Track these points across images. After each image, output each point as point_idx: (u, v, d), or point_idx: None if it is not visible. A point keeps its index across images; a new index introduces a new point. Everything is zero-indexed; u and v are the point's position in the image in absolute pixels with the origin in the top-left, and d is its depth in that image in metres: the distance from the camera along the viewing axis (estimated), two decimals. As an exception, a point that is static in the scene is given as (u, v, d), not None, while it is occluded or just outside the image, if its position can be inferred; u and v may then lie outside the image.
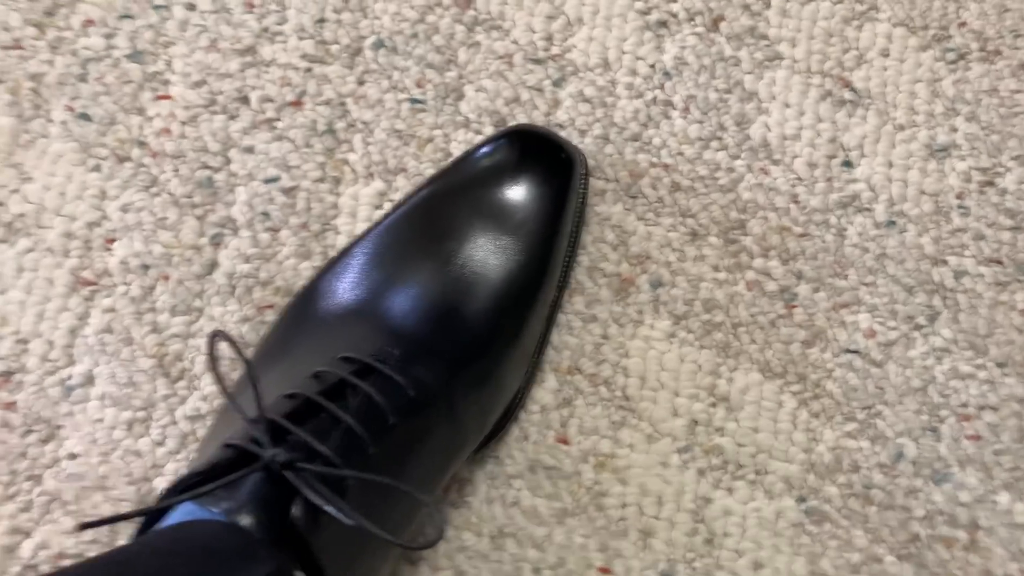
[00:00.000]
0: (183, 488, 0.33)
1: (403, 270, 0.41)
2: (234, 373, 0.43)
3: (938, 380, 0.46)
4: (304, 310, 0.42)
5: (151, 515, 0.33)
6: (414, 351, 0.38)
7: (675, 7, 0.49)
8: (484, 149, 0.44)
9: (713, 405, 0.45)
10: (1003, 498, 0.44)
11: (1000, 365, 0.46)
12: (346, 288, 0.41)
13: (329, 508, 0.31)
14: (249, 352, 0.43)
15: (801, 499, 0.44)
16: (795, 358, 0.46)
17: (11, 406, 0.44)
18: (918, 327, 0.46)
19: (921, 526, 0.44)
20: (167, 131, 0.47)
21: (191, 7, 0.49)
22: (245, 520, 0.31)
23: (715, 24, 0.49)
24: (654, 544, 0.43)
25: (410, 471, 0.36)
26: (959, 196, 0.48)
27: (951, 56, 0.49)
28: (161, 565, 0.29)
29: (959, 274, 0.47)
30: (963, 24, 0.50)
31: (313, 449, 0.33)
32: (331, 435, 0.34)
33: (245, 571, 0.30)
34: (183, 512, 0.33)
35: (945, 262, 0.47)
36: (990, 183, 0.48)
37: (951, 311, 0.46)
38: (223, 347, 0.43)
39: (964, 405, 0.45)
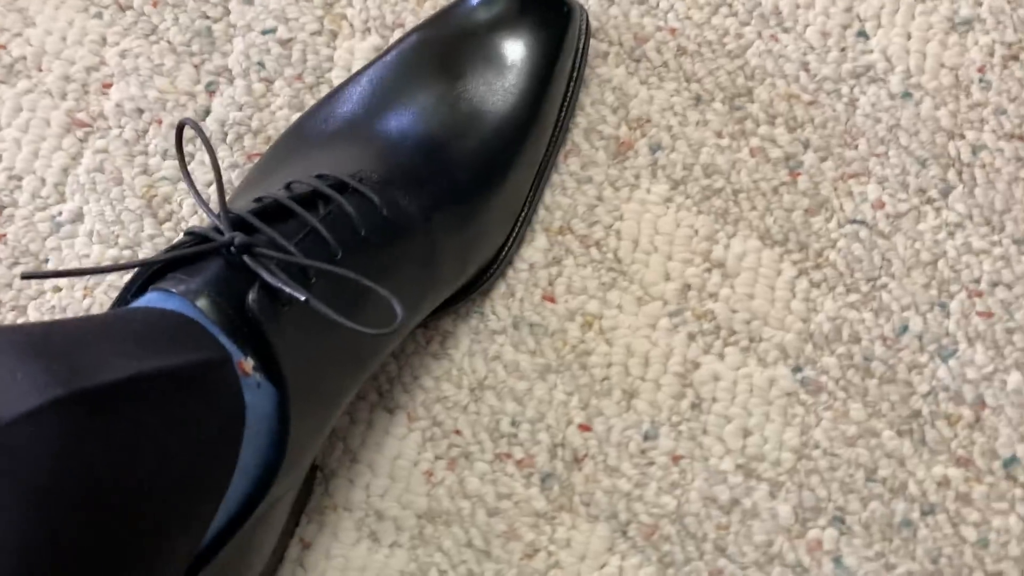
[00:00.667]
0: (143, 277, 0.32)
1: (393, 100, 0.40)
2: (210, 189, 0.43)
3: (949, 255, 0.43)
4: (288, 140, 0.41)
5: (117, 303, 0.33)
6: (395, 178, 0.38)
7: None
8: (484, -7, 0.43)
9: (708, 271, 0.43)
10: (1013, 377, 0.42)
11: (1017, 242, 0.43)
12: (332, 117, 0.41)
13: (285, 288, 0.30)
14: (233, 191, 0.43)
15: (796, 368, 0.42)
16: (797, 226, 0.44)
17: (1, 238, 0.44)
18: (930, 200, 0.44)
19: (924, 402, 0.41)
20: (169, -20, 0.47)
21: None
22: (201, 301, 0.31)
23: None
24: (638, 405, 0.42)
25: (377, 297, 0.35)
26: (980, 70, 0.45)
27: (979, -71, 0.47)
28: (101, 333, 0.28)
29: (977, 148, 0.44)
30: None
31: (277, 244, 0.32)
32: (297, 236, 0.33)
33: (184, 352, 0.29)
34: (144, 299, 0.32)
35: (962, 136, 0.45)
36: (1014, 58, 0.45)
37: (967, 186, 0.44)
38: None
39: (976, 281, 0.43)
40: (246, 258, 0.31)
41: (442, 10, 0.43)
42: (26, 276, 0.30)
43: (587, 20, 0.44)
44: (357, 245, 0.35)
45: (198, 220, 0.44)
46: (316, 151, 0.40)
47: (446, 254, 0.39)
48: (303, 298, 0.30)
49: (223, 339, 0.31)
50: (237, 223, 0.33)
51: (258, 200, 0.34)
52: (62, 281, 0.43)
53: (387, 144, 0.39)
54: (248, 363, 0.31)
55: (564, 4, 0.43)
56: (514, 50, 0.42)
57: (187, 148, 0.45)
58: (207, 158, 0.44)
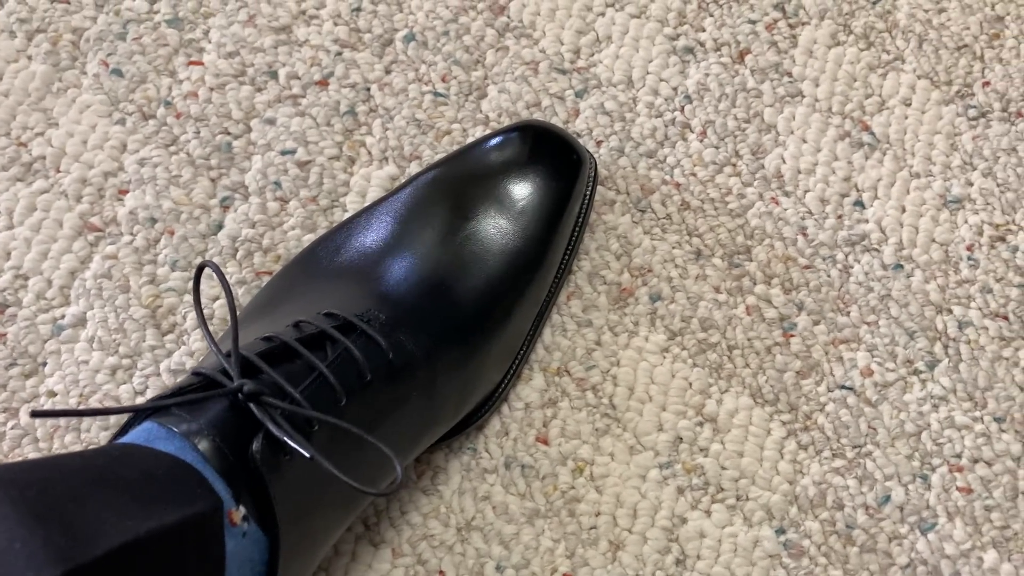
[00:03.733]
0: (147, 411, 0.32)
1: (402, 239, 0.41)
2: (218, 325, 0.43)
3: (933, 427, 0.44)
4: (297, 270, 0.42)
5: (116, 435, 0.33)
6: (401, 317, 0.38)
7: (703, 36, 0.50)
8: (497, 138, 0.44)
9: (700, 424, 0.44)
10: (990, 556, 0.42)
11: (998, 420, 0.45)
12: (342, 251, 0.41)
13: (290, 442, 0.31)
14: (241, 312, 0.43)
15: (780, 530, 0.43)
16: (788, 387, 0.45)
17: (1, 337, 0.44)
18: (917, 372, 0.45)
19: (902, 574, 0.42)
20: (194, 95, 0.48)
21: (236, -17, 0.50)
22: (203, 444, 0.31)
23: (741, 56, 0.50)
24: (623, 557, 0.42)
25: (380, 434, 0.36)
26: (969, 248, 0.47)
27: (972, 113, 0.50)
28: (92, 480, 0.28)
29: (963, 324, 0.46)
30: (987, 83, 0.50)
31: (283, 390, 0.33)
32: (304, 381, 0.34)
33: (173, 506, 0.29)
34: (143, 431, 0.32)
35: (950, 311, 0.46)
36: (1002, 239, 0.48)
37: (952, 360, 0.46)
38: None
39: (957, 456, 0.44)
40: (253, 406, 0.31)
41: (457, 151, 0.45)
42: (35, 414, 0.30)
43: (596, 168, 0.46)
44: (362, 389, 0.35)
45: (199, 337, 0.44)
46: (325, 284, 0.40)
47: (446, 392, 0.39)
48: (308, 455, 0.30)
49: (219, 485, 0.31)
50: (245, 365, 0.33)
51: (267, 339, 0.35)
52: (57, 386, 0.43)
53: (394, 283, 0.40)
54: (239, 512, 0.31)
55: (574, 152, 0.45)
56: (524, 195, 0.43)
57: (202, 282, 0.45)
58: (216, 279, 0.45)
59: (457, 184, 0.43)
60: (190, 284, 0.45)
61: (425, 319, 0.39)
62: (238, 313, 0.43)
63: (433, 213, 0.42)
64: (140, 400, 0.43)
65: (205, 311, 0.44)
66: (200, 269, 0.34)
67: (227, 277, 0.40)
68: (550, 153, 0.44)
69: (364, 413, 0.35)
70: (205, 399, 0.32)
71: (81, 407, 0.43)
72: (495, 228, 0.42)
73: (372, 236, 0.42)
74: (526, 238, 0.42)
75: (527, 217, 0.43)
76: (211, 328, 0.43)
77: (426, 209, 0.42)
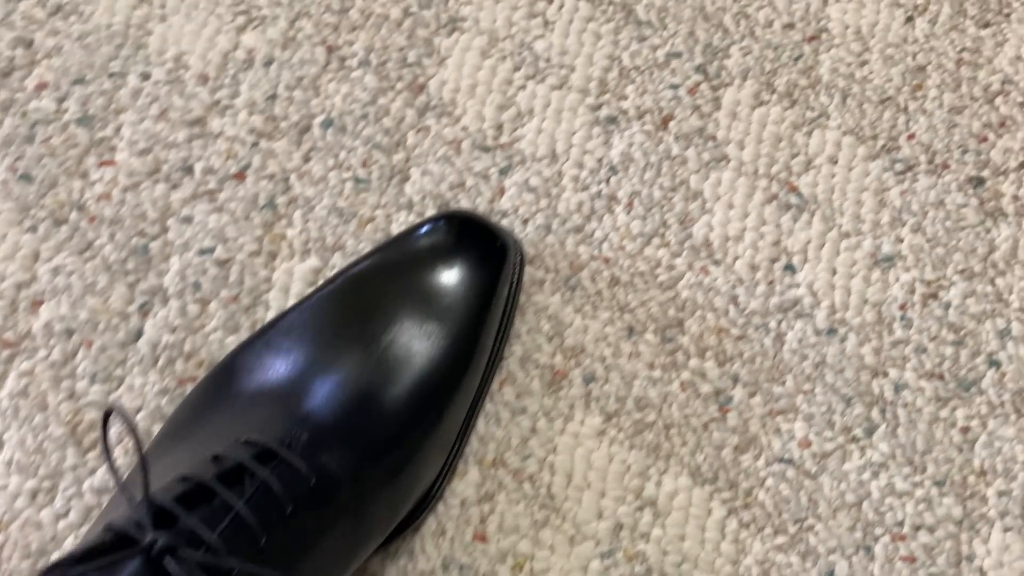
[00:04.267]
0: (56, 572, 0.31)
1: (322, 351, 0.40)
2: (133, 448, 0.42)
3: (873, 496, 0.44)
4: (217, 387, 0.41)
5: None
6: (323, 436, 0.37)
7: (625, 104, 0.50)
8: (418, 231, 0.43)
9: (640, 509, 0.43)
10: (937, 626, 0.42)
11: (938, 484, 0.44)
12: (261, 366, 0.40)
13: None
14: (158, 427, 0.42)
15: (725, 614, 0.42)
16: (727, 464, 0.44)
17: (-87, 467, 0.42)
18: (855, 439, 0.45)
19: (850, 651, 0.42)
20: (108, 196, 0.47)
21: (145, 76, 0.49)
22: (117, 609, 0.30)
23: (664, 123, 0.50)
24: (567, 654, 0.41)
25: (306, 564, 0.35)
26: (902, 307, 0.47)
27: (899, 167, 0.49)
28: None
29: (899, 387, 0.46)
30: (912, 136, 0.50)
31: (199, 537, 0.32)
32: (221, 523, 0.33)
33: None
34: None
35: (885, 374, 0.46)
36: (934, 296, 0.47)
37: (889, 425, 0.45)
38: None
39: (899, 524, 0.44)
40: (167, 561, 0.30)
41: (376, 248, 0.44)
42: None
43: (521, 253, 0.45)
44: (283, 522, 0.34)
45: (123, 452, 0.43)
46: (244, 405, 0.39)
47: (377, 508, 0.39)
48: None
49: None
50: (160, 511, 0.32)
51: (184, 479, 0.34)
52: (-24, 514, 0.42)
53: (316, 400, 0.39)
54: None
55: (498, 239, 0.44)
56: (448, 290, 0.42)
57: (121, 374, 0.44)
58: (136, 381, 0.44)
59: (378, 284, 0.42)
60: (111, 398, 0.44)
61: (350, 435, 0.38)
62: (159, 429, 0.42)
63: (353, 319, 0.41)
64: (63, 524, 0.42)
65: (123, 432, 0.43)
66: (107, 414, 0.33)
67: (130, 417, 0.38)
68: (473, 243, 0.43)
69: (287, 546, 0.34)
70: (116, 561, 0.31)
71: (0, 538, 0.41)
72: (420, 329, 0.41)
73: (291, 349, 0.41)
74: (454, 335, 0.41)
75: (454, 313, 0.42)
76: (124, 481, 0.42)
77: (346, 315, 0.41)
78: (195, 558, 0.31)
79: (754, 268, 0.48)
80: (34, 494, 0.42)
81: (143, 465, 0.32)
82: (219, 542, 0.32)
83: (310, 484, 0.35)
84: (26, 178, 0.47)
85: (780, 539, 0.43)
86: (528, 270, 0.47)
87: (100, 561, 0.31)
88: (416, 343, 0.41)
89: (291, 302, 0.46)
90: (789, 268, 0.48)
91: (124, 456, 0.43)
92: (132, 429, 0.32)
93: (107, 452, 0.33)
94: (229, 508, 0.33)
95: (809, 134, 0.50)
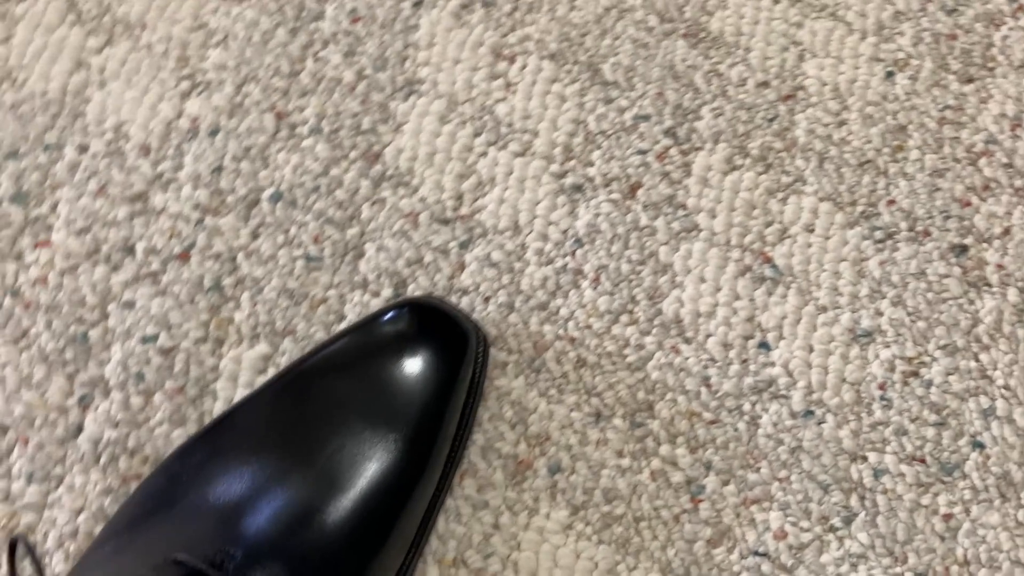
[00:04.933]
0: None
1: (263, 461, 0.38)
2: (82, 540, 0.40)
3: (852, 590, 0.42)
4: (156, 491, 0.39)
5: None
6: (258, 554, 0.35)
7: (592, 171, 0.47)
8: (373, 323, 0.41)
9: (608, 608, 0.42)
10: None
11: (919, 575, 0.43)
12: (200, 474, 0.38)
13: None
14: (100, 528, 0.40)
15: None
16: (699, 559, 0.42)
17: None
18: (833, 529, 0.43)
19: None
20: (44, 280, 0.44)
21: (83, 148, 0.46)
22: None
23: (632, 191, 0.47)
24: None
25: None
26: (882, 386, 0.45)
27: (879, 235, 0.47)
28: None
29: (879, 472, 0.44)
30: (892, 202, 0.48)
31: None
32: None
33: None
34: None
35: (865, 458, 0.44)
36: (915, 373, 0.45)
37: (869, 513, 0.43)
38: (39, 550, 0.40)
39: (879, 620, 0.42)
40: None
41: (333, 336, 0.41)
42: None
43: (485, 340, 0.43)
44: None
45: (61, 552, 0.41)
46: (179, 518, 0.37)
47: (323, 627, 0.36)
48: None
49: None
50: None
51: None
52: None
53: (253, 517, 0.36)
54: None
55: (458, 324, 0.41)
56: (403, 386, 0.40)
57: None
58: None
59: (329, 383, 0.40)
60: (50, 499, 0.42)
61: (289, 553, 0.36)
62: (98, 532, 0.40)
63: (300, 423, 0.39)
64: (-2, 638, 0.40)
65: (67, 527, 0.41)
66: (13, 544, 0.30)
67: (35, 550, 0.36)
68: (431, 334, 0.41)
69: None
70: None
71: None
72: (373, 432, 0.39)
73: (233, 456, 0.38)
74: (410, 439, 0.39)
75: (409, 411, 0.39)
76: (72, 548, 0.40)
77: (293, 420, 0.39)
78: None
79: (727, 346, 0.45)
80: (-33, 607, 0.40)
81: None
82: None
83: None
84: (-43, 262, 0.44)
85: (754, 639, 0.41)
86: (491, 352, 0.44)
87: None
88: (367, 450, 0.39)
89: (239, 391, 0.43)
90: (764, 346, 0.45)
91: (54, 565, 0.40)
92: (38, 565, 0.30)
93: None
94: None
95: (784, 200, 0.48)
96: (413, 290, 0.45)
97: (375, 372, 0.40)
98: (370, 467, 0.38)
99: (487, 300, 0.45)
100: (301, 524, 0.37)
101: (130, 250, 0.45)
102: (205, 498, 0.37)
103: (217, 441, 0.39)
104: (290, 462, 0.38)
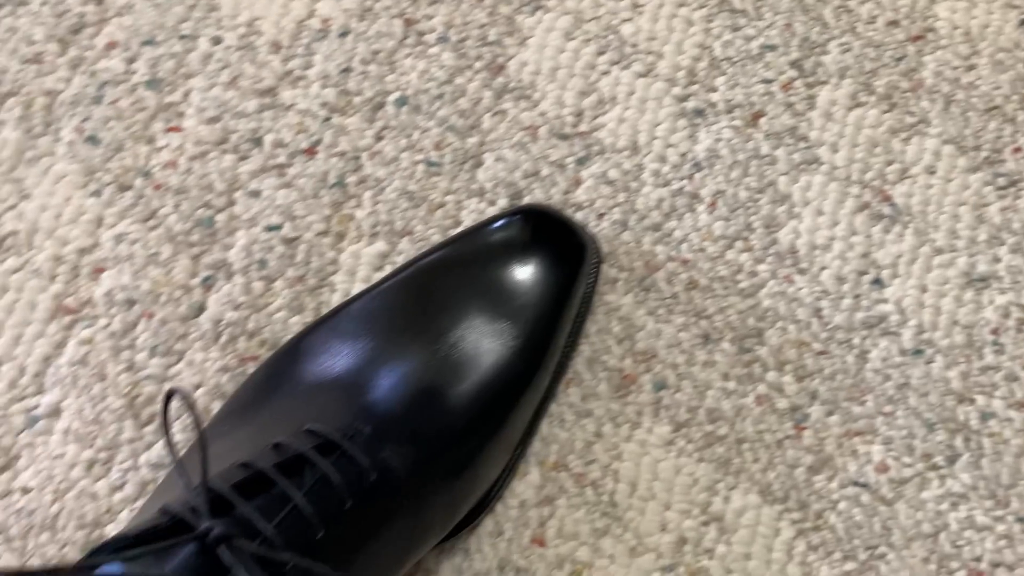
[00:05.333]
0: (111, 550, 0.30)
1: (389, 343, 0.39)
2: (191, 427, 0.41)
3: (952, 528, 0.42)
4: (281, 369, 0.40)
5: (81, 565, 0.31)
6: (386, 430, 0.36)
7: (714, 97, 0.47)
8: (493, 225, 0.41)
9: (705, 524, 0.42)
10: (1010, 669, 0.40)
11: (1021, 520, 0.42)
12: (326, 353, 0.39)
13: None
14: (218, 405, 0.41)
15: (788, 640, 0.41)
16: (799, 484, 0.42)
17: (-29, 430, 0.42)
18: (935, 467, 0.43)
19: None
20: (174, 164, 0.46)
21: (217, 41, 0.47)
22: (166, 596, 0.29)
23: (754, 119, 0.47)
24: (622, 669, 0.40)
25: (362, 560, 0.34)
26: (994, 332, 0.45)
27: (1001, 181, 0.47)
28: None
29: (986, 415, 0.43)
30: (1018, 150, 0.47)
31: (255, 527, 0.31)
32: (278, 513, 0.32)
33: None
34: (111, 573, 0.30)
35: (972, 400, 0.44)
36: (1030, 321, 0.45)
37: (973, 455, 0.43)
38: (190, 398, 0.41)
39: (977, 559, 0.42)
40: (222, 550, 0.30)
41: (449, 239, 0.42)
42: None
43: (599, 253, 0.43)
44: (341, 516, 0.33)
45: (181, 428, 0.42)
46: (308, 393, 0.38)
47: (435, 506, 0.37)
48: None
49: None
50: (217, 498, 0.31)
51: (244, 466, 0.33)
52: (32, 482, 0.41)
53: (380, 393, 0.37)
54: None
55: (576, 237, 0.42)
56: (522, 287, 0.40)
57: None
58: (197, 356, 0.43)
59: (449, 277, 0.40)
60: (171, 371, 0.43)
61: (413, 431, 0.37)
62: (219, 408, 0.41)
63: (423, 311, 0.39)
64: (118, 497, 0.41)
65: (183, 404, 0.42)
66: (169, 396, 0.32)
67: (193, 401, 0.37)
68: (550, 240, 0.41)
69: (344, 540, 0.33)
70: (170, 546, 0.30)
71: (56, 507, 0.41)
72: (491, 327, 0.39)
73: (357, 337, 0.39)
74: (524, 336, 0.40)
75: (527, 313, 0.40)
76: (183, 463, 0.41)
77: (415, 307, 0.40)
78: (250, 549, 0.30)
79: (841, 280, 0.45)
80: (90, 465, 0.42)
81: (202, 451, 0.31)
82: (275, 533, 0.31)
83: (371, 479, 0.34)
84: (92, 140, 0.46)
85: (849, 565, 0.42)
86: (602, 268, 0.45)
87: (154, 545, 0.30)
88: (486, 341, 0.39)
89: (357, 286, 0.44)
90: (877, 282, 0.45)
91: (182, 433, 0.42)
92: (195, 416, 0.31)
93: (167, 433, 0.32)
94: (287, 499, 0.32)
95: (907, 141, 0.47)
96: (528, 202, 0.45)
97: (494, 272, 0.41)
98: (488, 360, 0.39)
99: (601, 217, 0.46)
100: (424, 406, 0.37)
101: (258, 142, 0.46)
102: (332, 376, 0.39)
103: (340, 326, 0.40)
104: (414, 346, 0.39)
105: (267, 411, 0.38)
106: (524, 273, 0.41)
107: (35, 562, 0.41)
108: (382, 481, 0.35)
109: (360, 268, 0.45)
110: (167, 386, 0.43)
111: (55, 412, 0.42)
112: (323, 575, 0.31)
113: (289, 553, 0.31)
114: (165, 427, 0.32)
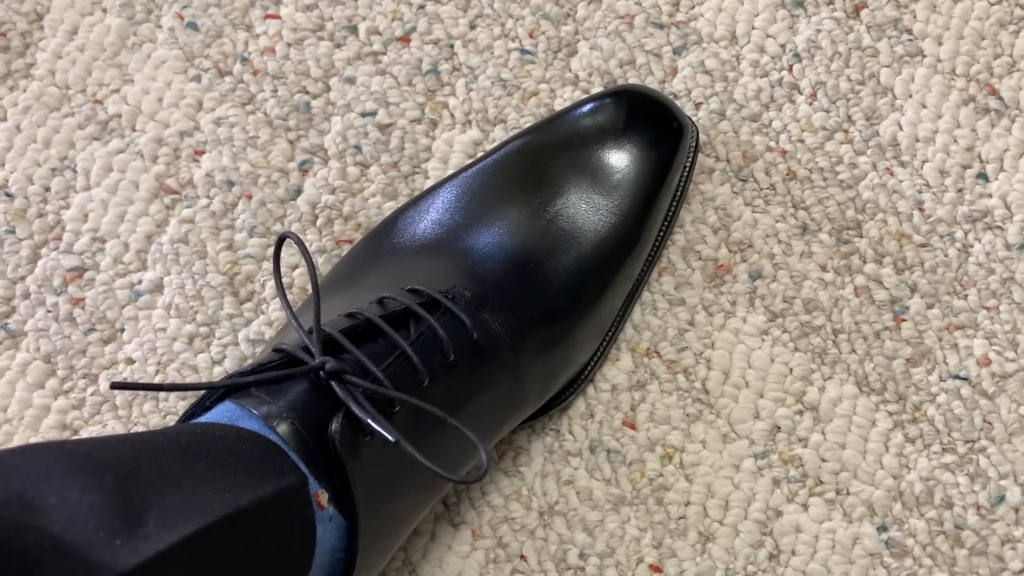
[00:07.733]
0: (226, 386, 0.31)
1: (489, 213, 0.39)
2: (298, 295, 0.42)
3: (1055, 424, 0.41)
4: (379, 241, 0.40)
5: (193, 409, 0.32)
6: (487, 296, 0.36)
7: (815, -13, 0.46)
8: (591, 104, 0.41)
9: (800, 413, 0.42)
10: (1114, 565, 0.39)
11: None
12: (426, 223, 0.39)
13: (373, 424, 0.29)
14: (321, 282, 0.42)
15: (883, 527, 0.40)
16: (897, 376, 0.42)
17: (79, 302, 0.43)
18: (1040, 363, 0.42)
19: (1015, 580, 0.39)
20: (271, 50, 0.46)
21: (314, -70, 0.47)
22: (282, 427, 0.30)
23: (856, 11, 0.46)
24: (713, 550, 0.40)
25: (463, 416, 0.34)
26: (1106, 227, 0.43)
27: (1117, 75, 0.45)
28: (180, 455, 0.27)
29: (1095, 312, 0.42)
30: None
31: (365, 368, 0.31)
32: (386, 360, 0.32)
33: (264, 480, 0.28)
34: (222, 411, 0.31)
35: (1080, 297, 0.42)
36: None
37: (1080, 351, 0.42)
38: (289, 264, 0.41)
39: (1082, 456, 0.41)
40: (334, 385, 0.30)
41: (546, 118, 0.42)
42: (115, 386, 0.29)
43: (697, 137, 0.42)
44: (445, 370, 0.34)
45: (278, 307, 0.43)
46: (409, 258, 0.38)
47: (532, 375, 0.38)
48: (393, 439, 0.29)
49: (301, 466, 0.30)
50: (327, 342, 0.32)
51: (350, 315, 0.33)
52: (136, 354, 0.43)
53: (481, 259, 0.37)
54: (324, 495, 0.30)
55: (675, 119, 0.41)
56: (619, 167, 0.40)
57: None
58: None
59: (547, 154, 0.40)
60: (269, 251, 0.44)
61: (512, 298, 0.37)
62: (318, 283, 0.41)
63: (522, 185, 0.39)
64: (218, 371, 0.43)
65: (284, 279, 0.43)
66: (281, 240, 0.32)
67: (308, 246, 0.38)
68: (648, 121, 0.41)
69: (447, 395, 0.34)
70: (285, 378, 0.31)
71: (159, 379, 0.42)
72: (588, 203, 0.39)
73: (457, 208, 0.39)
74: (621, 214, 0.40)
75: (622, 191, 0.40)
76: (291, 300, 0.42)
77: (514, 181, 0.40)
78: (362, 385, 0.30)
79: (944, 173, 0.44)
80: (191, 339, 0.43)
81: (315, 291, 0.32)
82: (384, 376, 0.31)
83: (472, 338, 0.35)
84: (192, 26, 0.46)
85: (948, 458, 0.41)
86: (698, 157, 0.44)
87: (269, 375, 0.31)
88: (583, 219, 0.39)
89: (450, 173, 0.44)
90: (982, 176, 0.44)
91: (288, 294, 0.43)
92: (307, 258, 0.32)
93: (278, 276, 0.32)
94: (394, 348, 0.33)
95: (1016, 34, 0.46)
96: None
97: (592, 150, 0.40)
98: (587, 235, 0.39)
99: (698, 106, 0.45)
100: (525, 274, 0.38)
101: (353, 29, 0.46)
102: (432, 241, 0.39)
103: (440, 196, 0.40)
104: (514, 217, 0.39)
105: (369, 276, 0.38)
106: (622, 152, 0.40)
107: (139, 429, 0.42)
108: (484, 342, 0.35)
109: (453, 156, 0.45)
110: (266, 266, 0.44)
111: (158, 287, 0.43)
112: (434, 413, 0.31)
113: (400, 392, 0.31)
114: (276, 270, 0.33)
